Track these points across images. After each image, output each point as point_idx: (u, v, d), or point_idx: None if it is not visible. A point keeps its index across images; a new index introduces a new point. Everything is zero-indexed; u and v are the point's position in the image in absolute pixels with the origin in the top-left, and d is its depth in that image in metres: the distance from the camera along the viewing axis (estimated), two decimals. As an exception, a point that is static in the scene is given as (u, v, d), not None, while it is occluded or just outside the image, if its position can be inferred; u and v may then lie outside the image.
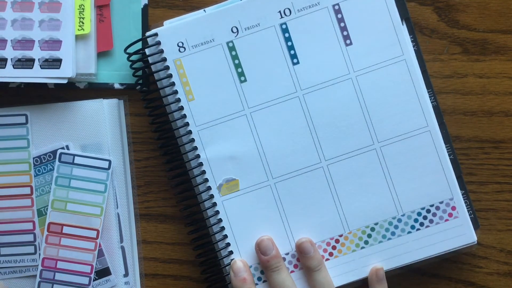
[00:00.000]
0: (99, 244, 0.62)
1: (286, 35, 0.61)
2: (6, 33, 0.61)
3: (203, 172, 0.61)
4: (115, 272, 0.62)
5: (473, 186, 0.64)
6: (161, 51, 0.60)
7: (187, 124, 0.61)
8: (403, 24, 0.61)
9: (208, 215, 0.61)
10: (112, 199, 0.62)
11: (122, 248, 0.63)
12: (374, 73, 0.61)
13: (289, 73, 0.61)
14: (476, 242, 0.61)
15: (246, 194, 0.61)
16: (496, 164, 0.64)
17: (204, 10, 0.61)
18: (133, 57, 0.62)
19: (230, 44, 0.60)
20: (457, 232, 0.61)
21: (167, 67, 0.60)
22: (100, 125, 0.62)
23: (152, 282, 0.64)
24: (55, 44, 0.61)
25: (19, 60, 0.61)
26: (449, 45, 0.64)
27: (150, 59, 0.61)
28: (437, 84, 0.64)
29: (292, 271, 0.61)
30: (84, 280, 0.62)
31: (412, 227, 0.61)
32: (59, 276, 0.62)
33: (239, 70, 0.61)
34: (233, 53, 0.61)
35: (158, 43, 0.60)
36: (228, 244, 0.61)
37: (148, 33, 0.61)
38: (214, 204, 0.61)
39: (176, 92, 0.60)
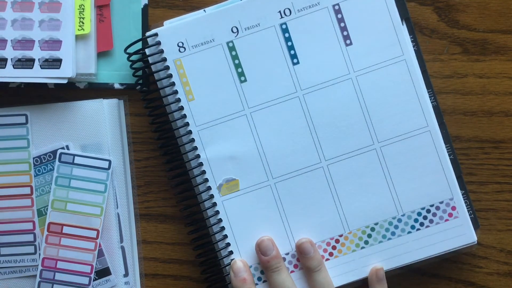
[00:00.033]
0: (99, 244, 0.62)
1: (286, 35, 0.61)
2: (6, 33, 0.61)
3: (203, 172, 0.61)
4: (115, 272, 0.62)
5: (473, 186, 0.64)
6: (161, 51, 0.60)
7: (187, 124, 0.61)
8: (403, 24, 0.61)
9: (208, 215, 0.61)
10: (112, 199, 0.62)
11: (122, 248, 0.63)
12: (374, 73, 0.61)
13: (289, 73, 0.61)
14: (476, 242, 0.61)
15: (246, 194, 0.61)
16: (496, 164, 0.64)
17: (204, 10, 0.61)
18: (133, 57, 0.62)
19: (230, 44, 0.60)
20: (457, 232, 0.61)
21: (167, 67, 0.60)
22: (100, 125, 0.62)
23: (152, 282, 0.64)
24: (55, 44, 0.61)
25: (19, 60, 0.61)
26: (449, 45, 0.64)
27: (150, 59, 0.61)
28: (437, 84, 0.64)
29: (292, 271, 0.61)
30: (84, 280, 0.62)
31: (412, 227, 0.61)
32: (59, 276, 0.62)
33: (239, 70, 0.61)
34: (233, 53, 0.61)
35: (158, 43, 0.60)
36: (228, 244, 0.61)
37: (148, 33, 0.61)
38: (214, 204, 0.61)
39: (176, 92, 0.60)
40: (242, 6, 0.60)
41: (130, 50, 0.61)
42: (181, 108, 0.61)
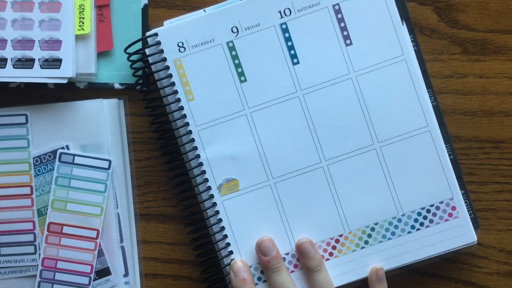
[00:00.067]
0: (99, 244, 0.62)
1: (286, 35, 0.61)
2: (6, 33, 0.61)
3: (203, 172, 0.61)
4: (115, 272, 0.62)
5: (473, 186, 0.64)
6: (161, 51, 0.60)
7: (187, 124, 0.61)
8: (403, 24, 0.61)
9: (208, 215, 0.61)
10: (112, 199, 0.62)
11: (122, 248, 0.63)
12: (374, 73, 0.61)
13: (289, 73, 0.61)
14: (476, 242, 0.61)
15: (246, 194, 0.61)
16: (496, 164, 0.64)
17: (204, 10, 0.61)
18: (133, 57, 0.62)
19: (230, 44, 0.60)
20: (457, 232, 0.61)
21: (167, 67, 0.60)
22: (100, 125, 0.62)
23: (152, 282, 0.64)
24: (55, 44, 0.61)
25: (19, 60, 0.61)
26: (449, 45, 0.64)
27: (150, 59, 0.61)
28: (437, 84, 0.64)
29: (292, 271, 0.61)
30: (84, 280, 0.62)
31: (412, 227, 0.61)
32: (59, 276, 0.62)
33: (239, 70, 0.61)
34: (233, 53, 0.61)
35: (158, 43, 0.60)
36: (228, 244, 0.61)
37: (148, 33, 0.61)
38: (214, 204, 0.61)
39: (176, 92, 0.60)
40: (242, 6, 0.60)
41: (130, 50, 0.61)
42: (181, 108, 0.61)
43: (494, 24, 0.64)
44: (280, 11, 0.60)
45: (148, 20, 0.64)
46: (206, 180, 0.61)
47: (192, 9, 0.63)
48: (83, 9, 0.62)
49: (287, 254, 0.61)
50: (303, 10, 0.60)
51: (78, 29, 0.61)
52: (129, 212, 0.64)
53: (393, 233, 0.61)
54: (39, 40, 0.61)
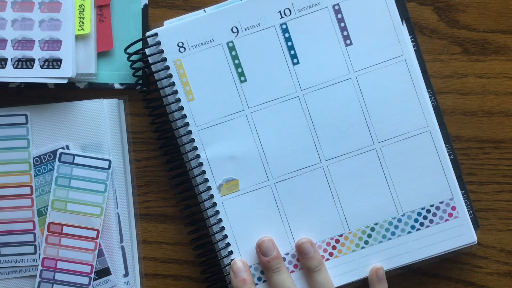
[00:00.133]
0: (99, 244, 0.62)
1: (286, 35, 0.61)
2: (6, 33, 0.61)
3: (203, 172, 0.61)
4: (115, 272, 0.62)
5: (473, 186, 0.64)
6: (161, 51, 0.60)
7: (187, 124, 0.61)
8: (403, 24, 0.61)
9: (208, 215, 0.61)
10: (112, 199, 0.62)
11: (122, 248, 0.63)
12: (374, 73, 0.61)
13: (289, 73, 0.61)
14: (476, 242, 0.61)
15: (246, 194, 0.61)
16: (496, 164, 0.64)
17: (204, 10, 0.61)
18: (133, 57, 0.62)
19: (230, 44, 0.60)
20: (457, 232, 0.61)
21: (167, 67, 0.60)
22: (100, 125, 0.62)
23: (152, 282, 0.64)
24: (55, 44, 0.61)
25: (19, 60, 0.61)
26: (449, 45, 0.64)
27: (150, 59, 0.61)
28: (437, 84, 0.64)
29: (292, 271, 0.61)
30: (84, 280, 0.62)
31: (412, 227, 0.61)
32: (59, 276, 0.62)
33: (239, 70, 0.61)
34: (233, 53, 0.61)
35: (158, 43, 0.60)
36: (228, 244, 0.61)
37: (148, 33, 0.61)
38: (214, 204, 0.61)
39: (176, 92, 0.60)
40: (242, 6, 0.60)
41: (130, 50, 0.61)
42: (181, 108, 0.61)
43: (494, 24, 0.64)
44: (280, 11, 0.60)
45: (148, 20, 0.64)
46: (206, 180, 0.61)
47: (192, 9, 0.63)
48: (83, 9, 0.62)
49: (287, 254, 0.61)
50: (303, 10, 0.60)
51: (78, 29, 0.61)
52: (129, 212, 0.64)
53: (393, 233, 0.61)
54: (39, 40, 0.61)
